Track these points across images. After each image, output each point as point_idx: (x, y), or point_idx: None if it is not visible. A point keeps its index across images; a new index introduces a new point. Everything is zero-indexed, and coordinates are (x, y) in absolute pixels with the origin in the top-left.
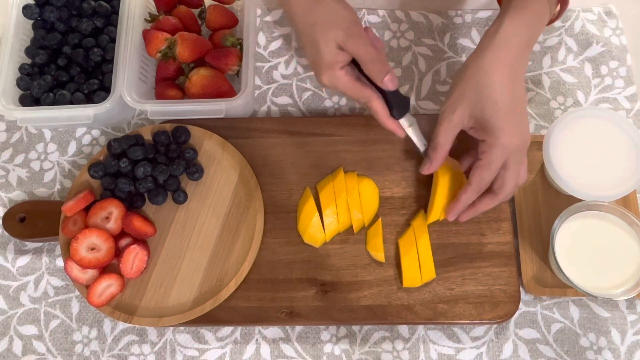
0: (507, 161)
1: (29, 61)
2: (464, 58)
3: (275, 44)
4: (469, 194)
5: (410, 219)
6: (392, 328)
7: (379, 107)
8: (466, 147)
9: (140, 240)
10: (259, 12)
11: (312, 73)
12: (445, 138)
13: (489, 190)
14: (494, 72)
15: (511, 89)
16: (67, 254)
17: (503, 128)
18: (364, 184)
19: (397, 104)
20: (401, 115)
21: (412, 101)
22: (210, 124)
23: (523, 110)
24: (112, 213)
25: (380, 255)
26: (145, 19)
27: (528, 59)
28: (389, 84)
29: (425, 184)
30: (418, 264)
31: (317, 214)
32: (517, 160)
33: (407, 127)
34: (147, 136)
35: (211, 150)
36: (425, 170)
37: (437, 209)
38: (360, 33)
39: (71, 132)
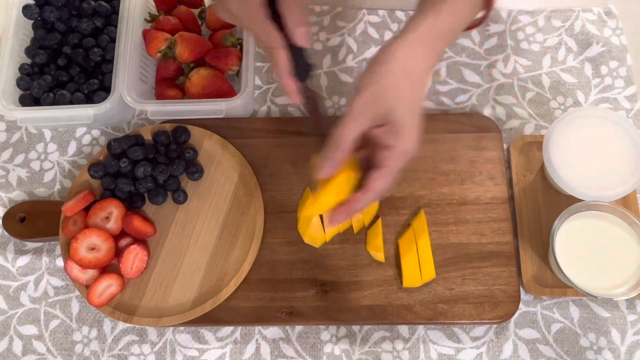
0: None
1: (29, 61)
2: (464, 58)
3: None
4: (365, 200)
5: (410, 219)
6: (392, 328)
7: (282, 58)
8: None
9: (140, 240)
10: None
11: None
12: (350, 133)
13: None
14: (413, 70)
15: (418, 90)
16: (67, 254)
17: (409, 135)
18: None
19: (301, 65)
20: (303, 79)
21: None
22: (210, 124)
23: (420, 112)
24: (112, 213)
25: (380, 255)
26: (145, 19)
27: (439, 57)
28: (302, 36)
29: (426, 184)
30: (418, 264)
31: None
32: (402, 166)
33: (305, 95)
34: (147, 136)
35: (211, 150)
36: (325, 173)
37: (322, 205)
38: None
39: (71, 132)
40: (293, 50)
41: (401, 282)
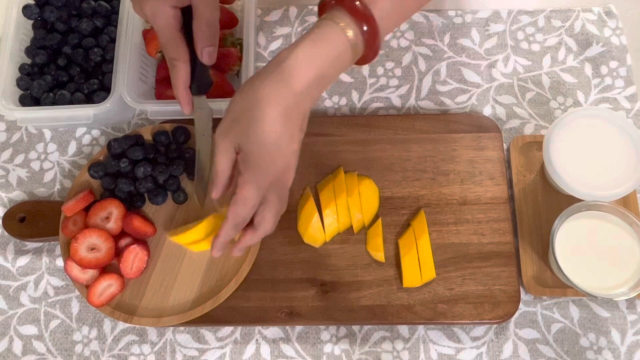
0: (266, 198)
1: (29, 61)
2: (464, 58)
3: (275, 44)
4: (226, 230)
5: (410, 218)
6: (392, 328)
7: (182, 71)
8: None
9: (140, 240)
10: (259, 12)
11: None
12: (221, 164)
13: (250, 225)
14: (271, 106)
15: (283, 128)
16: (67, 254)
17: (260, 165)
18: (364, 184)
19: (200, 80)
20: (199, 93)
21: (412, 101)
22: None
23: (290, 150)
24: (112, 213)
25: (380, 255)
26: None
27: (316, 97)
28: (206, 54)
29: (426, 184)
30: (418, 263)
31: (317, 214)
32: (276, 196)
33: (197, 109)
34: (147, 136)
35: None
36: (214, 195)
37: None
38: None
39: (71, 132)
40: (197, 65)
41: (401, 282)
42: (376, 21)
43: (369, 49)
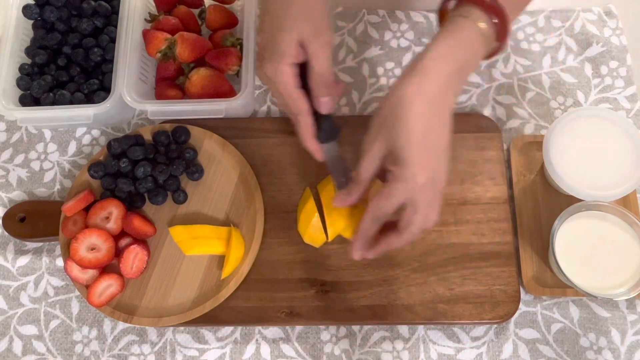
0: (415, 200)
1: (29, 61)
2: None
3: None
4: (366, 222)
5: None
6: (392, 328)
7: (306, 123)
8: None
9: (140, 240)
10: (259, 12)
11: None
12: (366, 172)
13: (395, 228)
14: (414, 102)
15: (430, 122)
16: (67, 254)
17: (411, 161)
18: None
19: (325, 128)
20: (326, 141)
21: None
22: (210, 124)
23: (440, 146)
24: (112, 213)
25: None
26: (145, 19)
27: (458, 91)
28: (323, 105)
29: None
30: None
31: (317, 214)
32: (427, 201)
33: (327, 155)
34: (147, 136)
35: (211, 150)
36: (340, 202)
37: (335, 229)
38: (329, 40)
39: (71, 132)
40: (319, 116)
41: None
42: (504, 10)
43: (501, 37)
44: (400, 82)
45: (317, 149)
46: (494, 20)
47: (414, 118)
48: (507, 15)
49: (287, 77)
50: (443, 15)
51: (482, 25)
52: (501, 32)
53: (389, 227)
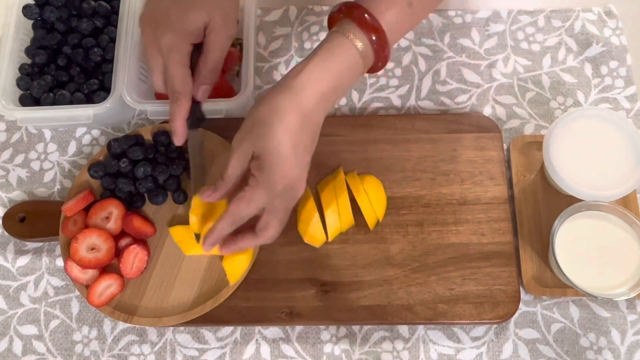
0: (273, 205)
1: (29, 61)
2: (464, 58)
3: (275, 44)
4: (223, 223)
5: (411, 218)
6: (392, 328)
7: (185, 105)
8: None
9: (140, 240)
10: (259, 12)
11: None
12: (233, 169)
13: (252, 229)
14: (287, 115)
15: (298, 136)
16: (67, 254)
17: (275, 170)
18: (368, 181)
19: (194, 115)
20: (192, 127)
21: (412, 101)
22: (210, 124)
23: (304, 159)
24: (112, 213)
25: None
26: None
27: (328, 108)
28: (202, 92)
29: (426, 184)
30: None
31: (317, 214)
32: (283, 206)
33: (191, 142)
34: (147, 136)
35: (211, 150)
36: (205, 197)
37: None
38: (232, 33)
39: (71, 132)
40: (193, 102)
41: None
42: (385, 32)
43: (379, 58)
44: (275, 93)
45: (183, 134)
46: (373, 38)
47: (285, 130)
48: (386, 36)
49: (183, 55)
50: (331, 22)
51: (360, 45)
52: (379, 51)
53: (246, 227)
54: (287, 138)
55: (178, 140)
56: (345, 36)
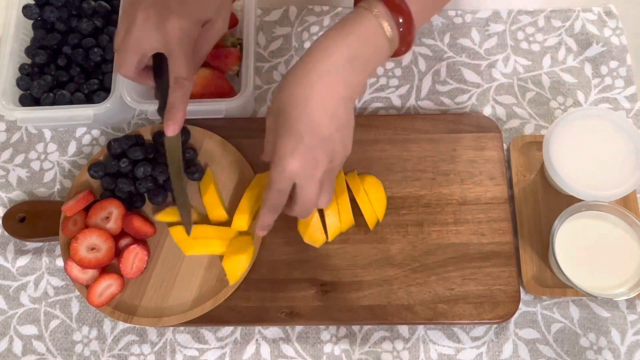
0: (298, 183)
1: (29, 61)
2: (464, 58)
3: (275, 44)
4: (264, 214)
5: (411, 218)
6: (392, 328)
7: (189, 91)
8: None
9: (140, 240)
10: (259, 12)
11: None
12: (266, 156)
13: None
14: (306, 73)
15: (312, 121)
16: (67, 254)
17: (283, 154)
18: (367, 181)
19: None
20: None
21: (412, 101)
22: (210, 124)
23: (322, 135)
24: (112, 213)
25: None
26: None
27: (352, 81)
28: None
29: (426, 184)
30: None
31: (317, 214)
32: (312, 183)
33: (167, 143)
34: (147, 136)
35: (211, 150)
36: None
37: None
38: (226, 29)
39: (71, 132)
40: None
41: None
42: (412, 15)
43: (403, 41)
44: (293, 68)
45: (183, 121)
46: (399, 20)
47: (298, 121)
48: (412, 18)
49: (192, 42)
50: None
51: (385, 25)
52: (405, 34)
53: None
54: (299, 129)
55: (174, 130)
56: (369, 11)
